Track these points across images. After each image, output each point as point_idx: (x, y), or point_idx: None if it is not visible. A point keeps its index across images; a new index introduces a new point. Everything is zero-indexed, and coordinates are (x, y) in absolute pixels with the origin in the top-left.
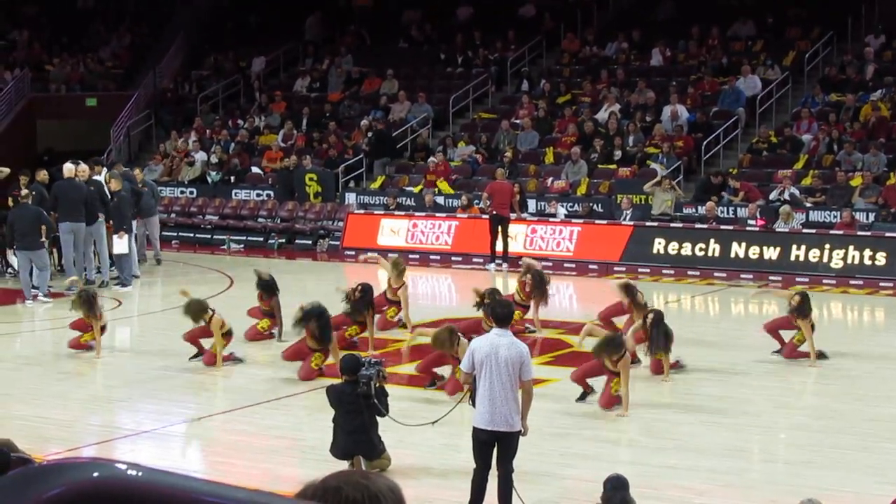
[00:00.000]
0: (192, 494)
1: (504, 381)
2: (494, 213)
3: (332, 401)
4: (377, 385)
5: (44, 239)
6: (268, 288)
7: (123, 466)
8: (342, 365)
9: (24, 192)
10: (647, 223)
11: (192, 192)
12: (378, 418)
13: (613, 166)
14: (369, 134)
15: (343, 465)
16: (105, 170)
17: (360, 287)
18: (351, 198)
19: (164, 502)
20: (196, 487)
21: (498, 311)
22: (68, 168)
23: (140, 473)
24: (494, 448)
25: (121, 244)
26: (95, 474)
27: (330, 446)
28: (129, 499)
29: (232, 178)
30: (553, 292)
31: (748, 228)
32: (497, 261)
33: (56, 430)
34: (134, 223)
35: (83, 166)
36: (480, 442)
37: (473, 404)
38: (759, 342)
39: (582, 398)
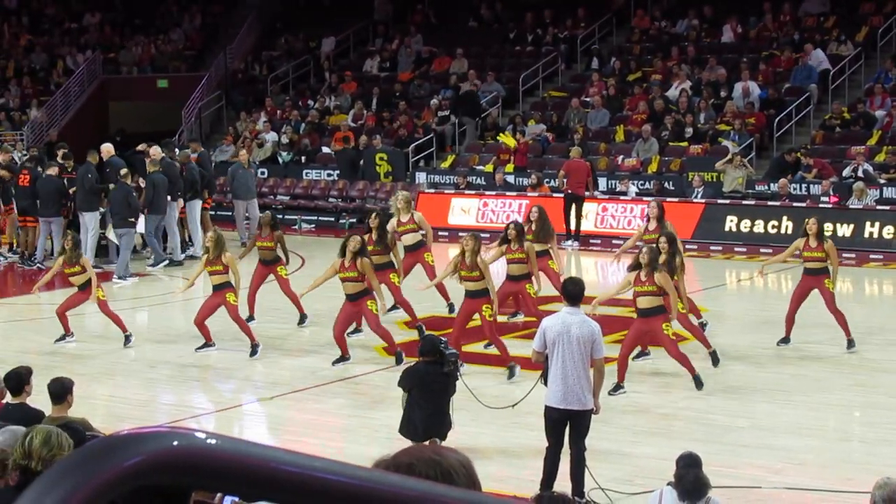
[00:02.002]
0: (272, 463)
1: (576, 359)
2: (570, 191)
3: (414, 382)
4: (459, 369)
5: (133, 219)
6: (271, 223)
7: (203, 436)
8: (423, 347)
9: (124, 171)
10: (719, 201)
11: (262, 173)
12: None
13: (685, 144)
14: (443, 97)
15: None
16: (177, 151)
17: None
18: (421, 177)
19: (244, 471)
20: (275, 456)
21: (569, 288)
22: (106, 147)
23: (219, 442)
24: (566, 426)
25: (139, 224)
26: (175, 443)
27: (401, 428)
28: (209, 468)
29: (303, 159)
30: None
31: (821, 205)
32: (569, 240)
33: (130, 409)
34: (175, 204)
35: (154, 149)
36: (553, 420)
37: (545, 383)
38: (832, 320)
39: (615, 390)
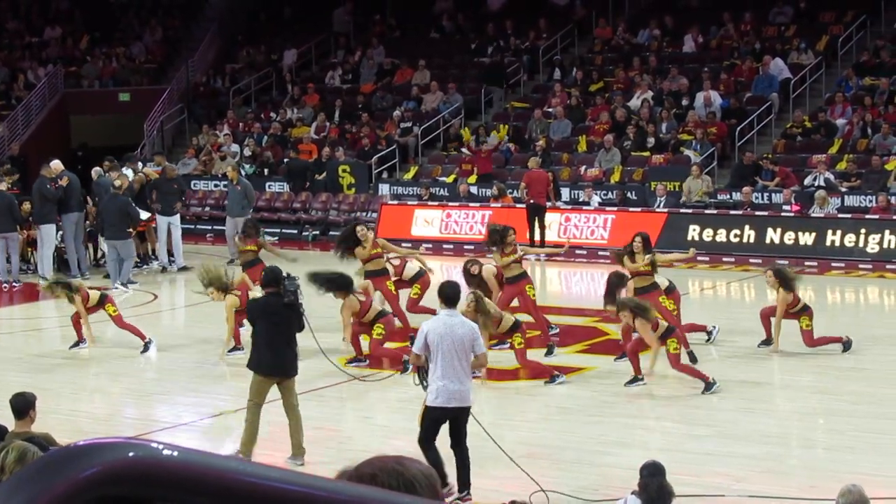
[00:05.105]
0: (228, 474)
1: (461, 357)
2: (532, 202)
3: (256, 314)
4: (299, 300)
5: (130, 229)
6: (254, 228)
7: (159, 446)
8: (264, 278)
9: (118, 182)
10: (682, 210)
11: (225, 186)
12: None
13: (647, 153)
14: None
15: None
16: (140, 164)
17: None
18: (384, 189)
19: (200, 482)
20: (231, 467)
21: (447, 291)
22: (55, 164)
23: (176, 453)
24: (445, 424)
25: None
26: (131, 454)
27: (249, 362)
28: (165, 478)
29: (265, 171)
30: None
31: (783, 214)
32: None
33: (93, 424)
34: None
35: (124, 173)
36: (434, 420)
37: (425, 386)
38: (796, 328)
39: (632, 382)
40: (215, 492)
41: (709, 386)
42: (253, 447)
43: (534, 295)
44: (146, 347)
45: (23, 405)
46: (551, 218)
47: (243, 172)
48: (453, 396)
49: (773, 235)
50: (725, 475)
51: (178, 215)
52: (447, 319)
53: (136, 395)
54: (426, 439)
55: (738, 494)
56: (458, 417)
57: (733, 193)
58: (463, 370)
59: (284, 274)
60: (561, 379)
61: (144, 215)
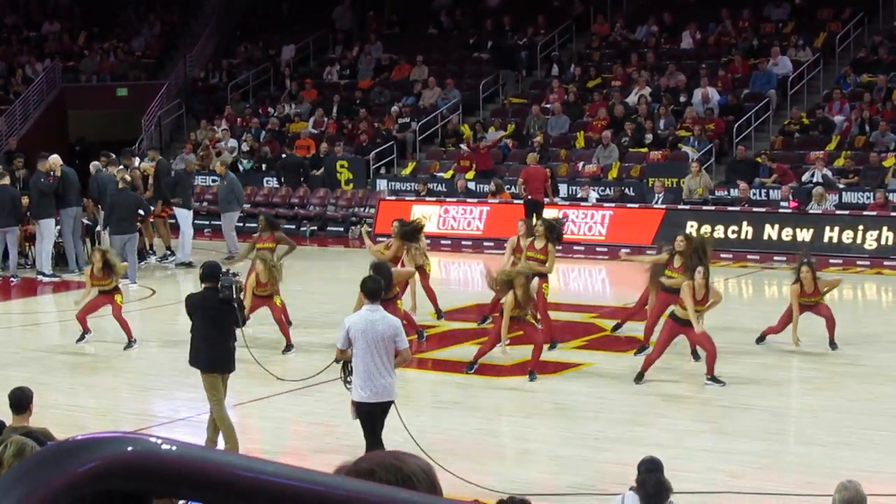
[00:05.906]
0: (227, 468)
1: (382, 353)
2: (530, 197)
3: (193, 307)
4: (236, 295)
5: (139, 223)
6: (270, 223)
7: (158, 441)
8: (202, 272)
9: (128, 176)
10: (680, 206)
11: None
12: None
13: (645, 150)
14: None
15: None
16: (137, 160)
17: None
18: (382, 184)
19: (199, 476)
20: (230, 461)
21: (370, 285)
22: (54, 159)
23: (175, 448)
24: (379, 417)
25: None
26: (129, 448)
27: (189, 358)
28: (164, 473)
29: (263, 166)
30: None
31: (781, 210)
32: None
33: (91, 419)
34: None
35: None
36: (366, 413)
37: (346, 379)
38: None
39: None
40: (214, 486)
41: (713, 379)
42: (237, 443)
43: (547, 293)
44: (129, 345)
45: (21, 400)
46: (549, 214)
47: (241, 168)
48: (378, 391)
49: (770, 232)
50: (723, 471)
51: (191, 210)
52: (368, 315)
53: (135, 390)
54: (365, 434)
55: (736, 491)
56: (387, 410)
57: (731, 190)
58: (384, 365)
59: (223, 270)
60: (535, 378)
61: None
